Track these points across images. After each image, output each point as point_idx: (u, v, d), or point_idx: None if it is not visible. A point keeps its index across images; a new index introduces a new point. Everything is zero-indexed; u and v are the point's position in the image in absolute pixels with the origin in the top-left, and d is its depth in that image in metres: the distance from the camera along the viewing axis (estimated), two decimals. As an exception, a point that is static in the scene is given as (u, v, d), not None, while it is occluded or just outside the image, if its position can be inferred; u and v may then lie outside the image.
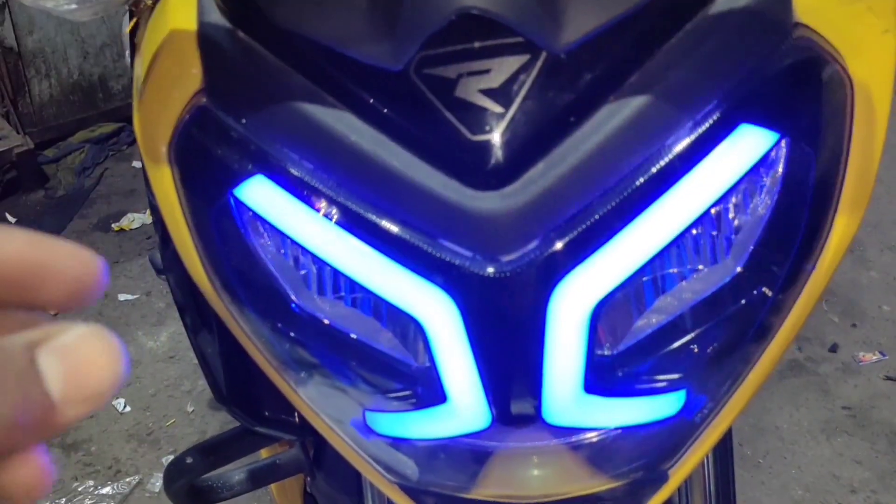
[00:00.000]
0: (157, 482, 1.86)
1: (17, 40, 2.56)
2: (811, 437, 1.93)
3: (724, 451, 0.69)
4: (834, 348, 2.15)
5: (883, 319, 2.24)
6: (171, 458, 1.85)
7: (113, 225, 2.60)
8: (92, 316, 2.27)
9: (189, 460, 0.93)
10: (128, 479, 1.87)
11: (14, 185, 2.67)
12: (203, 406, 2.03)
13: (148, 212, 2.64)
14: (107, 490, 1.85)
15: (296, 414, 0.75)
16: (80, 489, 1.86)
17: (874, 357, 2.13)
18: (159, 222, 0.81)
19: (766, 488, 1.83)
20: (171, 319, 2.26)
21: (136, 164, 2.86)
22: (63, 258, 0.26)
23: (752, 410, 1.98)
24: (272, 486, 1.37)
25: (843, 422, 1.96)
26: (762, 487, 1.84)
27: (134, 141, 2.91)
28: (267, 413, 0.75)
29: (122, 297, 2.33)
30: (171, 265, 0.78)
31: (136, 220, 2.61)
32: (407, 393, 0.50)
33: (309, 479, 1.22)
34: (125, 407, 2.02)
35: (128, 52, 1.63)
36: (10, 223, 2.59)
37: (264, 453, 1.30)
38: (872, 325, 2.22)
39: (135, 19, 0.59)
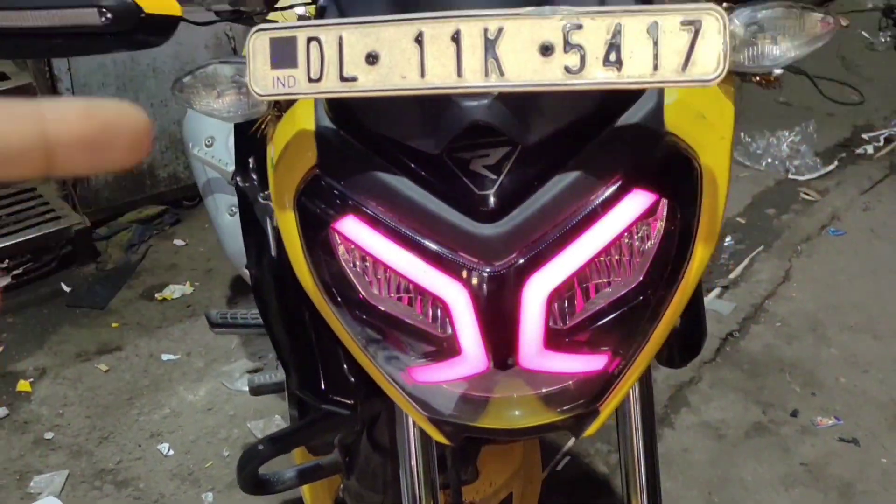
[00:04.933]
0: (198, 513, 2.12)
1: (81, 132, 2.91)
2: (772, 489, 2.14)
3: (646, 400, 1.00)
4: (795, 413, 2.37)
5: (840, 390, 2.46)
6: (210, 494, 2.12)
7: (156, 295, 2.88)
8: (139, 373, 2.56)
9: (261, 447, 1.22)
10: (172, 512, 2.12)
11: (69, 259, 2.96)
12: (238, 451, 2.28)
13: (188, 283, 2.94)
14: (155, 519, 2.10)
15: (351, 397, 1.06)
16: (131, 518, 2.11)
17: (830, 421, 2.34)
18: (254, 272, 1.13)
19: (730, 529, 2.07)
20: (208, 377, 2.52)
21: (178, 242, 3.17)
22: (118, 114, 0.28)
23: (720, 463, 2.23)
24: (305, 491, 1.64)
25: (800, 476, 2.17)
26: (727, 528, 2.07)
27: (176, 222, 3.24)
28: (330, 395, 1.05)
29: (165, 356, 2.60)
30: (263, 295, 1.10)
31: (176, 290, 2.90)
32: (435, 350, 0.81)
33: (343, 482, 1.50)
34: (169, 451, 2.27)
35: (204, 143, 1.97)
36: (64, 291, 2.90)
37: (297, 461, 1.57)
38: (830, 394, 2.44)
39: (258, 123, 0.91)
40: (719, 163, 0.80)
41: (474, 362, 0.79)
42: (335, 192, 0.81)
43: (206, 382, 2.51)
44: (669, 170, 0.79)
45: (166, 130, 3.16)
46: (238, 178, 1.18)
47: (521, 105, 0.74)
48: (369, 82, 0.67)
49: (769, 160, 3.71)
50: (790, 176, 3.68)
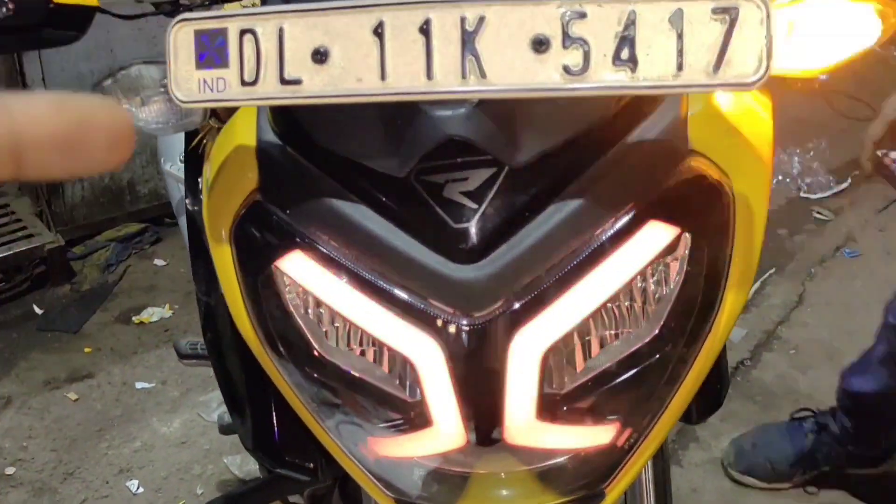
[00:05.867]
0: (166, 560, 1.96)
1: (56, 146, 2.77)
2: None
3: (661, 480, 0.84)
4: None
5: None
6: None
7: (133, 318, 2.73)
8: (110, 403, 2.40)
9: (214, 510, 1.07)
10: (139, 557, 1.97)
11: (42, 279, 2.82)
12: (212, 489, 2.13)
13: (167, 306, 2.79)
14: (119, 565, 1.95)
15: (310, 459, 0.90)
16: (93, 564, 1.96)
17: None
18: (205, 303, 0.97)
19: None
20: (184, 407, 2.38)
21: (158, 262, 3.02)
22: (95, 110, 0.26)
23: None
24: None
25: None
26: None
27: (156, 241, 3.09)
28: (287, 458, 0.89)
29: (139, 385, 2.45)
30: (215, 343, 0.94)
31: (154, 313, 2.75)
32: (401, 420, 0.66)
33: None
34: (138, 488, 2.12)
35: (178, 158, 1.83)
36: (36, 313, 2.75)
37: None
38: None
39: (200, 136, 0.76)
40: (756, 189, 0.65)
41: (449, 436, 0.64)
42: (279, 221, 0.65)
43: (181, 413, 2.36)
44: (694, 197, 0.63)
45: (148, 143, 3.01)
46: (188, 201, 1.02)
47: (508, 116, 0.59)
48: (316, 86, 0.53)
49: (780, 177, 3.57)
50: (802, 195, 3.55)
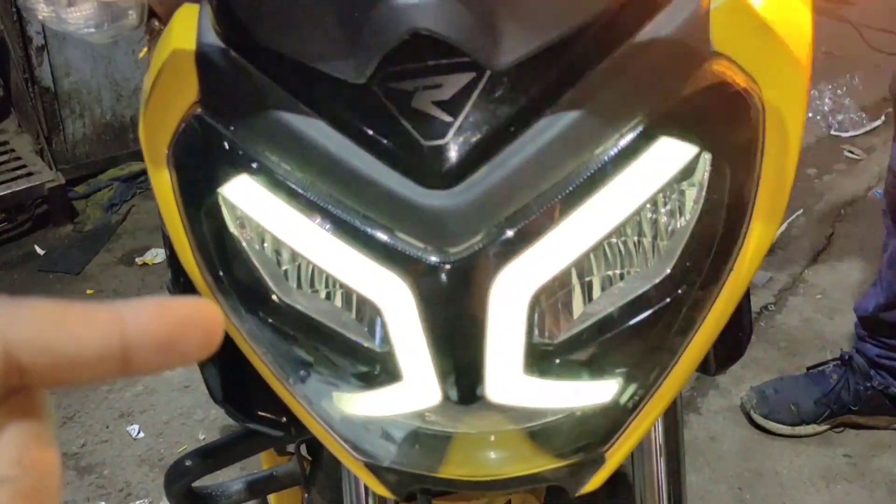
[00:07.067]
0: (165, 505, 1.91)
1: (53, 81, 2.67)
2: (811, 484, 1.93)
3: (672, 442, 0.74)
4: None
5: None
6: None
7: (137, 259, 2.66)
8: (112, 345, 2.34)
9: (188, 463, 0.99)
10: (138, 503, 1.92)
11: (44, 219, 2.74)
12: (214, 434, 2.08)
13: (171, 247, 2.72)
14: (117, 512, 1.90)
15: (284, 413, 0.81)
16: (91, 510, 1.91)
17: None
18: (170, 253, 0.88)
19: (763, 532, 1.85)
20: (187, 351, 2.32)
21: (162, 201, 2.96)
22: (192, 313, 0.28)
23: (752, 454, 2.00)
24: (272, 498, 1.42)
25: (843, 470, 1.96)
26: (759, 531, 1.85)
27: (161, 180, 3.00)
28: (259, 412, 0.80)
29: (141, 328, 2.40)
30: (181, 293, 0.85)
31: (158, 255, 2.67)
32: (368, 373, 0.56)
33: (305, 496, 1.27)
34: (139, 433, 2.07)
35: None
36: (38, 254, 2.68)
37: (264, 465, 1.35)
38: None
39: (147, 45, 0.66)
40: (792, 100, 0.54)
41: (421, 393, 0.54)
42: (221, 140, 0.55)
43: (183, 357, 2.29)
44: (716, 109, 0.53)
45: (150, 79, 2.91)
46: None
47: (489, 5, 0.48)
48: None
49: (809, 115, 3.41)
50: (832, 132, 3.39)
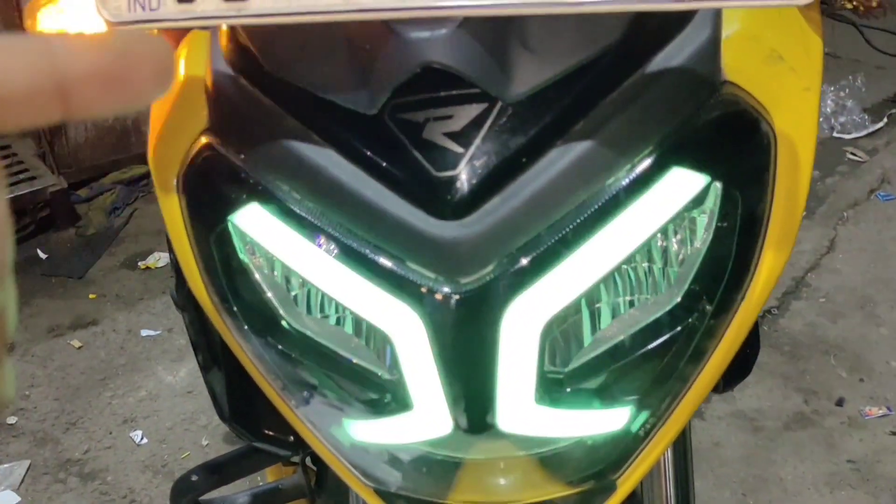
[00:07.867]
0: (169, 512, 1.91)
1: (56, 85, 2.67)
2: (815, 490, 1.92)
3: (682, 470, 0.74)
4: (840, 402, 2.14)
5: (890, 375, 2.22)
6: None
7: (139, 263, 2.66)
8: (115, 350, 2.34)
9: (194, 478, 0.99)
10: (141, 509, 1.92)
11: (47, 223, 2.74)
12: (218, 440, 2.08)
13: (173, 251, 2.72)
14: (121, 518, 1.90)
15: (290, 433, 0.81)
16: (95, 517, 1.91)
17: (880, 412, 2.11)
18: (174, 260, 0.88)
19: (767, 539, 1.85)
20: (190, 356, 2.30)
21: (165, 205, 2.95)
22: (136, 42, 0.26)
23: (756, 460, 2.00)
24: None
25: (847, 475, 1.95)
26: (763, 538, 1.85)
27: (163, 183, 3.00)
28: (265, 431, 0.80)
29: (144, 332, 2.39)
30: (185, 303, 0.85)
31: (161, 259, 2.67)
32: (378, 400, 0.56)
33: (310, 505, 1.27)
34: (142, 439, 2.07)
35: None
36: (41, 258, 2.68)
37: (269, 477, 1.35)
38: (880, 380, 2.21)
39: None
40: (803, 127, 0.54)
41: (432, 422, 0.54)
42: (232, 168, 0.55)
43: (187, 362, 2.29)
44: (727, 138, 0.52)
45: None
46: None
47: (500, 38, 0.48)
48: (266, 1, 0.42)
49: (812, 117, 3.42)
50: (835, 134, 3.39)
